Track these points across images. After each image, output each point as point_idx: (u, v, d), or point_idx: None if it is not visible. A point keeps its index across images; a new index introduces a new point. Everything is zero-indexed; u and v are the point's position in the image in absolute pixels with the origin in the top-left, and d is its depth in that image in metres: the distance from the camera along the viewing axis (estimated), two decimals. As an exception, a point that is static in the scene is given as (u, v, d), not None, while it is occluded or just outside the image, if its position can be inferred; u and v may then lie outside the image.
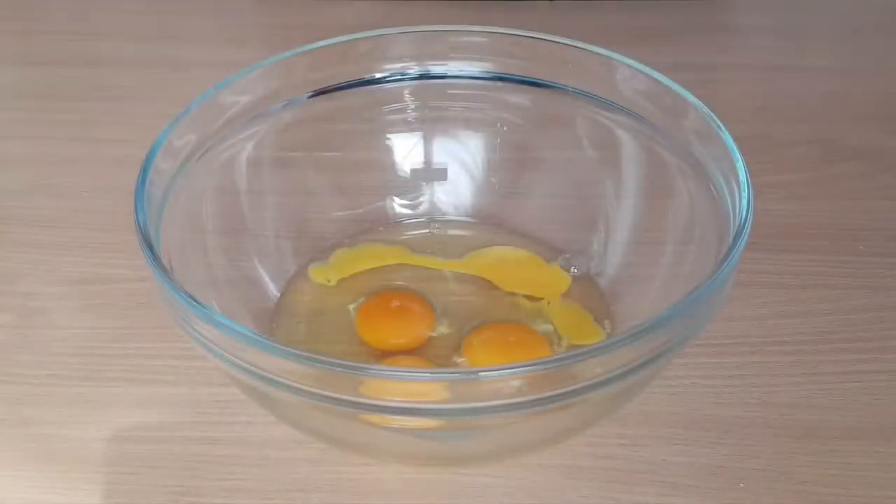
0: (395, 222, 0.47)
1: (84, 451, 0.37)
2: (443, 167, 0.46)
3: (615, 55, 0.39)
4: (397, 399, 0.28)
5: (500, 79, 0.43)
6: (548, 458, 0.37)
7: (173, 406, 0.39)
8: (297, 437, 0.37)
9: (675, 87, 0.37)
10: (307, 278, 0.44)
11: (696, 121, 0.37)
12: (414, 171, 0.46)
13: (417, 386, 0.28)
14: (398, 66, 0.43)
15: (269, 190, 0.44)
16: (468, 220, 0.47)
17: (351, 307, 0.42)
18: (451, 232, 0.46)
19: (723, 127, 0.35)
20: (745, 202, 0.32)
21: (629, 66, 0.39)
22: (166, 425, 0.38)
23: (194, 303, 0.29)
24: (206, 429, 0.38)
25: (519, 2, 0.70)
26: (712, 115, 0.36)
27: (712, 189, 0.36)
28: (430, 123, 0.46)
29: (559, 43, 0.41)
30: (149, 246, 0.31)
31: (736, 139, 0.35)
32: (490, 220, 0.46)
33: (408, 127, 0.46)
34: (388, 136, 0.46)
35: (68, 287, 0.45)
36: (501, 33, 0.42)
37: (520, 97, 0.43)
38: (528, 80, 0.43)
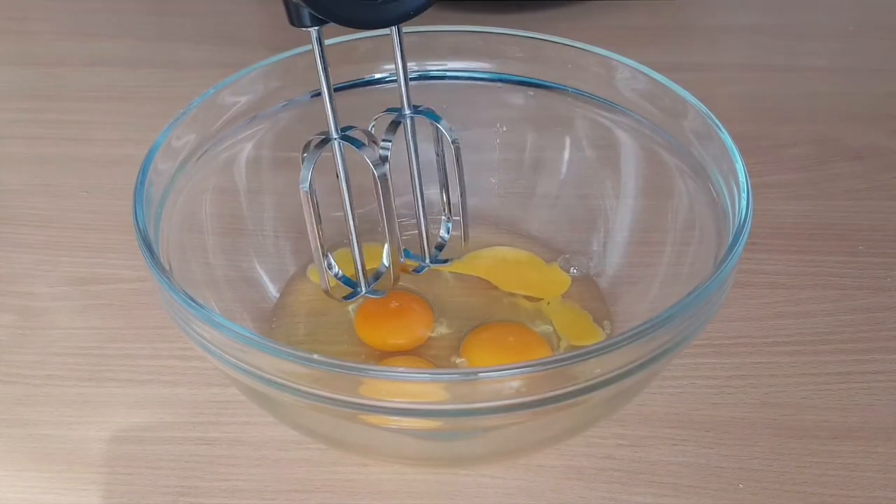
0: (395, 222, 0.47)
1: (83, 451, 0.37)
2: (442, 168, 0.46)
3: (615, 55, 0.39)
4: (396, 400, 0.28)
5: (500, 79, 0.43)
6: (547, 458, 0.37)
7: (172, 406, 0.39)
8: (296, 438, 0.37)
9: (675, 87, 0.37)
10: (307, 278, 0.44)
11: (696, 121, 0.37)
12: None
13: (416, 387, 0.28)
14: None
15: (268, 190, 0.44)
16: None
17: (350, 307, 0.42)
18: (451, 232, 0.46)
19: (722, 127, 0.35)
20: (744, 202, 0.32)
21: (629, 66, 0.39)
22: (165, 426, 0.38)
23: (193, 303, 0.29)
24: (205, 429, 0.38)
25: (519, 1, 0.70)
26: (711, 115, 0.36)
27: (712, 189, 0.36)
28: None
29: (559, 43, 0.41)
30: (148, 246, 0.31)
31: (735, 139, 0.35)
32: (490, 220, 0.46)
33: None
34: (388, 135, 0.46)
35: (68, 287, 0.45)
36: (501, 33, 0.42)
37: (520, 97, 0.43)
38: (528, 80, 0.43)
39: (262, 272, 0.43)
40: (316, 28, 0.30)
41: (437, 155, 0.38)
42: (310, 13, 0.29)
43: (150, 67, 0.64)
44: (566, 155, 0.45)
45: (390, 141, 0.35)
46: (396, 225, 0.36)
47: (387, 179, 0.34)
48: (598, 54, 0.40)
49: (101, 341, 0.42)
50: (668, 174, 0.39)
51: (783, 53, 0.65)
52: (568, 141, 0.44)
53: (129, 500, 0.36)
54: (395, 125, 0.36)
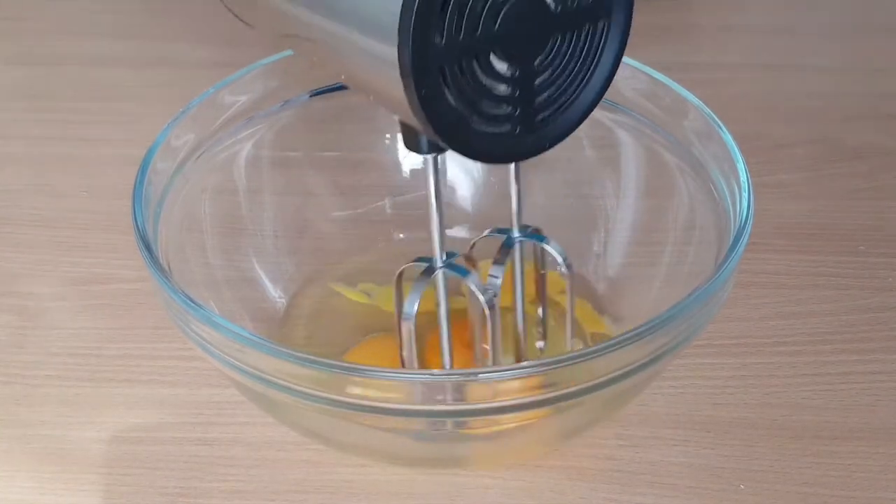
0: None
1: (83, 451, 0.37)
2: (442, 167, 0.46)
3: (615, 55, 0.39)
4: (396, 400, 0.28)
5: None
6: (548, 459, 0.37)
7: (172, 407, 0.39)
8: (296, 439, 0.37)
9: (675, 87, 0.37)
10: (307, 279, 0.44)
11: (697, 121, 0.37)
12: (413, 171, 0.46)
13: (416, 387, 0.28)
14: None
15: (268, 190, 0.44)
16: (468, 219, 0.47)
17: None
18: (451, 232, 0.46)
19: (723, 127, 0.35)
20: (745, 202, 0.32)
21: (629, 66, 0.39)
22: (164, 426, 0.38)
23: (193, 304, 0.29)
24: (205, 430, 0.38)
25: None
26: (712, 114, 0.36)
27: (712, 189, 0.36)
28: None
29: (559, 43, 0.41)
30: (147, 246, 0.31)
31: (736, 139, 0.35)
32: (490, 221, 0.46)
33: (407, 127, 0.46)
34: (388, 136, 0.46)
35: (68, 287, 0.45)
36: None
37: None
38: (527, 80, 0.42)
39: (261, 272, 0.43)
40: (433, 155, 0.28)
41: (541, 273, 0.36)
42: (428, 141, 0.27)
43: (150, 67, 0.64)
44: (566, 155, 0.45)
45: (499, 277, 0.33)
46: (501, 349, 0.34)
47: (496, 310, 0.32)
48: (598, 54, 0.40)
49: (101, 341, 0.42)
50: (669, 174, 0.39)
51: (783, 53, 0.65)
52: (568, 141, 0.44)
53: (127, 500, 0.35)
54: (504, 251, 0.33)
